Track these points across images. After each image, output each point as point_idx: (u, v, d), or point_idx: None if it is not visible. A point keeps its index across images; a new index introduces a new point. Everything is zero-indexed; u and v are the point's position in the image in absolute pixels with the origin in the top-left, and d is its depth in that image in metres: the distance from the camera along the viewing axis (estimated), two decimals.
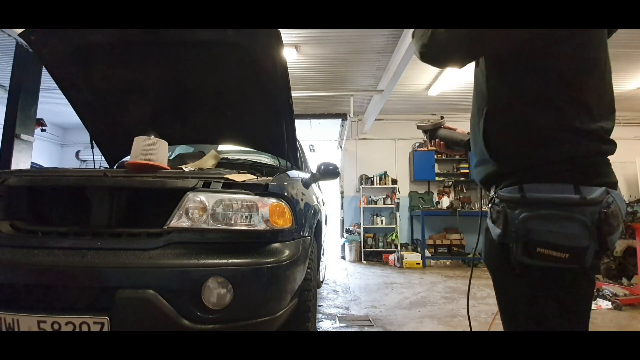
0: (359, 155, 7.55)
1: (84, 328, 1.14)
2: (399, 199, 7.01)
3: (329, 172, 2.62)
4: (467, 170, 7.04)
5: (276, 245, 1.38)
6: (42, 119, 5.49)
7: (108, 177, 1.38)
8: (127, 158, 1.80)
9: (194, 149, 2.81)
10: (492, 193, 0.88)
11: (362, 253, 6.78)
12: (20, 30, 1.84)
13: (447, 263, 6.38)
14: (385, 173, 7.23)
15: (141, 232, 1.32)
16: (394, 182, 7.18)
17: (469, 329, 1.08)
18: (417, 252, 6.38)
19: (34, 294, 1.22)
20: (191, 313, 1.19)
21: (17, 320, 1.14)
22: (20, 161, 4.01)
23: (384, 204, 7.08)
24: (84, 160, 8.31)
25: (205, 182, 1.39)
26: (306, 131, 7.62)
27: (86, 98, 2.10)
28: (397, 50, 4.58)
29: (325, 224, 3.79)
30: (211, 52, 1.86)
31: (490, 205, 0.86)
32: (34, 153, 4.32)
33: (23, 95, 4.04)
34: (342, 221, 7.44)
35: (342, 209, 7.48)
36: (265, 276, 1.29)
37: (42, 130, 6.27)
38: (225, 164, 2.27)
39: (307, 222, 1.72)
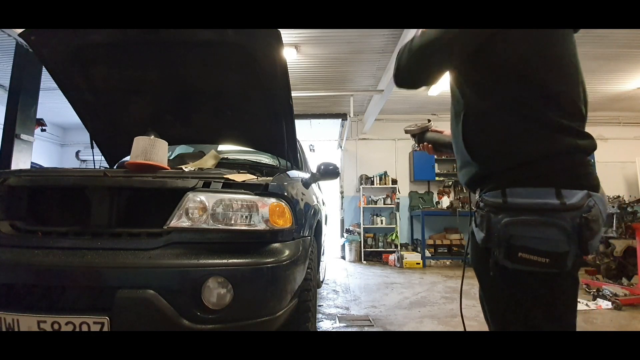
0: (359, 155, 7.54)
1: (84, 328, 1.14)
2: (399, 199, 7.01)
3: (329, 172, 2.61)
4: None
5: (276, 245, 1.38)
6: (42, 119, 5.50)
7: (108, 177, 1.38)
8: (127, 158, 1.80)
9: (194, 149, 2.81)
10: (477, 197, 0.89)
11: (362, 253, 6.78)
12: (20, 30, 1.84)
13: (447, 263, 6.37)
14: (385, 173, 7.23)
15: (141, 232, 1.32)
16: (394, 182, 7.18)
17: (469, 329, 1.08)
18: (417, 252, 6.38)
19: (34, 294, 1.22)
20: (191, 313, 1.19)
21: (17, 320, 1.13)
22: (20, 161, 4.01)
23: (384, 204, 7.08)
24: (84, 160, 8.31)
25: (205, 182, 1.39)
26: (306, 131, 7.61)
27: (86, 98, 2.10)
28: (397, 50, 4.57)
29: (325, 224, 3.78)
30: (211, 52, 1.85)
31: (475, 209, 0.87)
32: (34, 153, 4.32)
33: (23, 95, 4.04)
34: (342, 221, 7.44)
35: (342, 209, 7.48)
36: (265, 276, 1.29)
37: (42, 130, 6.27)
38: (225, 164, 2.26)
39: (307, 222, 1.72)
